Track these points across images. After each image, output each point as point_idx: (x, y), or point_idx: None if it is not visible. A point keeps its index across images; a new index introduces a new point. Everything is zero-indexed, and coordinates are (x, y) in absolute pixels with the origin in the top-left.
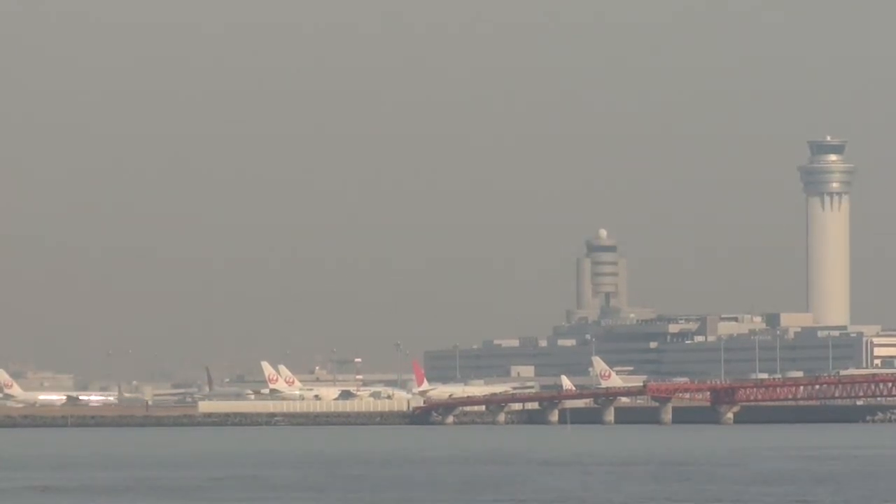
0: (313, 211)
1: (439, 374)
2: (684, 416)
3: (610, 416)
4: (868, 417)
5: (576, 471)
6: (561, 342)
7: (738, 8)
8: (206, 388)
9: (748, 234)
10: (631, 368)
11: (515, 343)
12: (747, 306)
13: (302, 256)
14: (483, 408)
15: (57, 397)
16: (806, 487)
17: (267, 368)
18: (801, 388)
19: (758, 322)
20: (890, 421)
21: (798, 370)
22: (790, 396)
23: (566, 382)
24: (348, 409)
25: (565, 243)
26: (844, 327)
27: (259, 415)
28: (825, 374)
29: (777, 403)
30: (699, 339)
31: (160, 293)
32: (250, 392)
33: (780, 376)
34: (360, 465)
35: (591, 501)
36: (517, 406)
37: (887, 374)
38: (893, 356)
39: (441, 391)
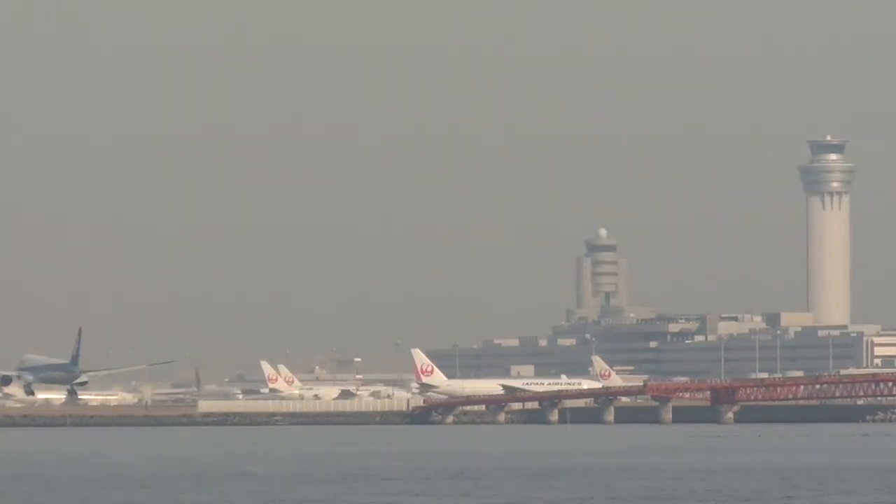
0: (313, 211)
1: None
2: (684, 416)
3: (610, 415)
4: (868, 417)
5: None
6: (561, 342)
7: (737, 7)
8: (204, 388)
9: (748, 234)
10: (631, 368)
11: (515, 343)
12: (747, 306)
13: (302, 256)
14: (483, 407)
15: (56, 396)
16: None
17: (267, 368)
18: (802, 387)
19: (758, 322)
20: (890, 420)
21: (798, 370)
22: (790, 396)
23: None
24: (348, 409)
25: (565, 243)
26: (845, 327)
27: (259, 414)
28: (825, 374)
29: (777, 403)
30: (699, 338)
31: (160, 293)
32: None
33: (780, 376)
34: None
35: None
36: (517, 406)
37: (887, 373)
38: (894, 356)
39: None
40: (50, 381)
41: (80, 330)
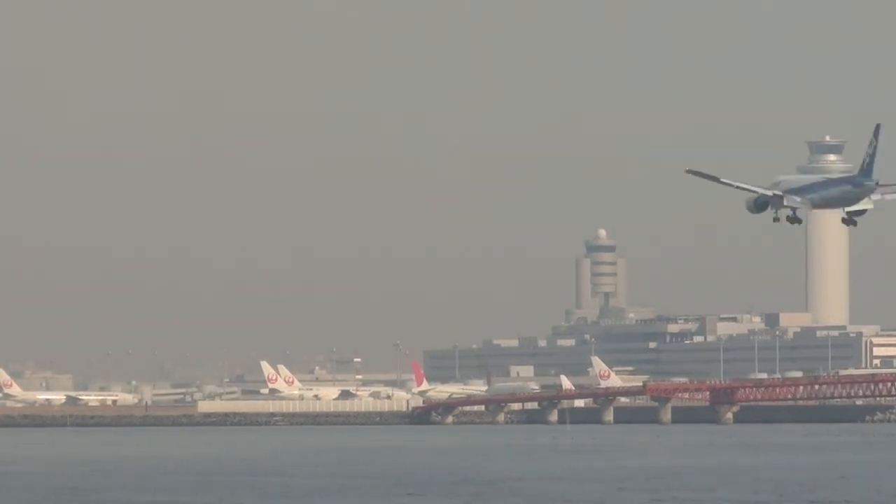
0: (314, 212)
1: (439, 373)
2: (684, 416)
3: (609, 415)
4: (867, 417)
5: None
6: (560, 342)
7: (737, 7)
8: (208, 388)
9: (748, 235)
10: (631, 368)
11: (515, 343)
12: (747, 306)
13: (302, 257)
14: (483, 408)
15: (56, 397)
16: None
17: (267, 368)
18: (801, 387)
19: (757, 322)
20: (889, 421)
21: (797, 370)
22: (789, 396)
23: (565, 382)
24: (348, 409)
25: (565, 243)
26: (843, 327)
27: (259, 415)
28: (824, 374)
29: (776, 403)
30: (698, 339)
31: (160, 293)
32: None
33: (779, 376)
34: None
35: None
36: (517, 406)
37: (886, 374)
38: (892, 356)
39: (440, 391)
40: (828, 205)
41: (878, 127)
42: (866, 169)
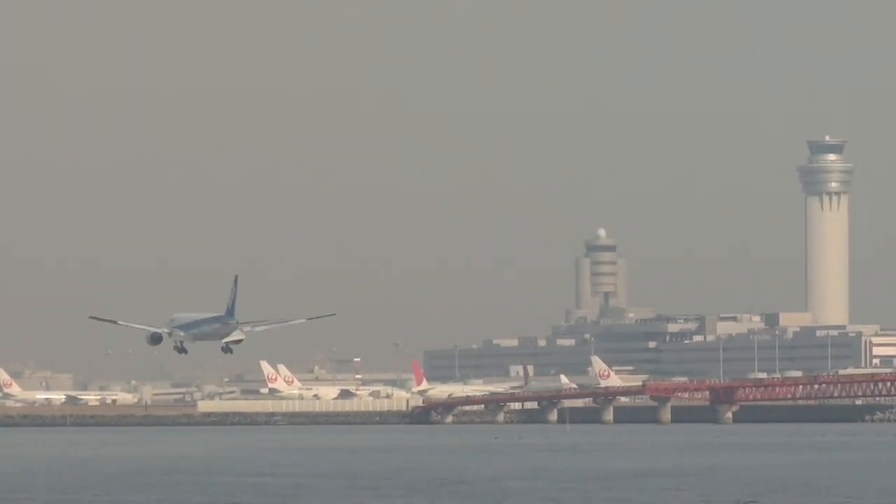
0: (314, 212)
1: (439, 373)
2: (683, 416)
3: (609, 415)
4: (867, 417)
5: None
6: (560, 342)
7: (737, 7)
8: (208, 388)
9: (748, 235)
10: (630, 368)
11: (515, 343)
12: (746, 306)
13: (301, 256)
14: (482, 407)
15: (56, 397)
16: None
17: (267, 368)
18: (800, 387)
19: (756, 322)
20: (889, 420)
21: (797, 370)
22: (789, 396)
23: (565, 382)
24: (347, 409)
25: (565, 243)
26: (843, 327)
27: (258, 414)
28: (824, 374)
29: (776, 403)
30: (698, 338)
31: (160, 293)
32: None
33: (778, 376)
34: None
35: None
36: (516, 405)
37: (886, 373)
38: (892, 356)
39: (440, 391)
40: (205, 338)
41: (236, 278)
42: (230, 310)
